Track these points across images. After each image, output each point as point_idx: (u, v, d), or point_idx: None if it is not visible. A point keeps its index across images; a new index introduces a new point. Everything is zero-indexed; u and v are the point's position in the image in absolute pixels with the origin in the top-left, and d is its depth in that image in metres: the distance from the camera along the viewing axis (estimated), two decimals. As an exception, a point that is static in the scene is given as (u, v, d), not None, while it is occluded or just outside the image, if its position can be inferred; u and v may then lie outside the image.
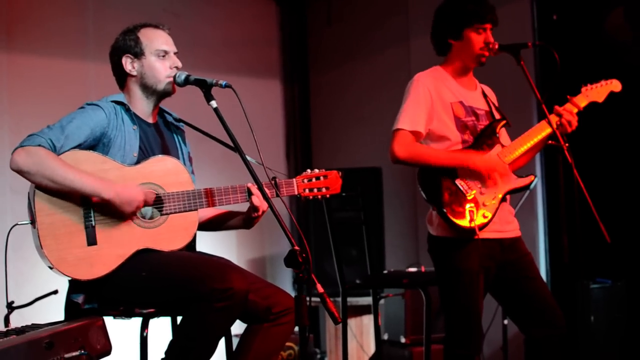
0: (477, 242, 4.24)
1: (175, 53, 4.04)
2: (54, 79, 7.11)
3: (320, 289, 3.23)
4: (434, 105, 4.37)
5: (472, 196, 4.27)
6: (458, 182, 4.29)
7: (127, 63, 4.02)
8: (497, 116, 4.53)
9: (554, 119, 4.40)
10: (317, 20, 9.14)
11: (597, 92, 4.55)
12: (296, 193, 4.04)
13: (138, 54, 4.00)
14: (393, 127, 4.36)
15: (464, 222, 4.22)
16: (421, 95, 4.36)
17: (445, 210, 4.23)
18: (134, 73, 4.02)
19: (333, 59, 9.02)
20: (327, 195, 4.10)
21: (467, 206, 4.24)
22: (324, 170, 4.11)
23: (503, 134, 4.51)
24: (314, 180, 4.08)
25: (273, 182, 3.89)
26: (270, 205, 3.52)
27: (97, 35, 7.22)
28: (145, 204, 3.81)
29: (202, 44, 8.03)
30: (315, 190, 4.07)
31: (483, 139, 4.40)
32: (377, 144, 7.47)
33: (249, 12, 8.78)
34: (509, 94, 5.40)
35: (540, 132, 4.45)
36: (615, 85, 4.59)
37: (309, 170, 4.11)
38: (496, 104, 4.63)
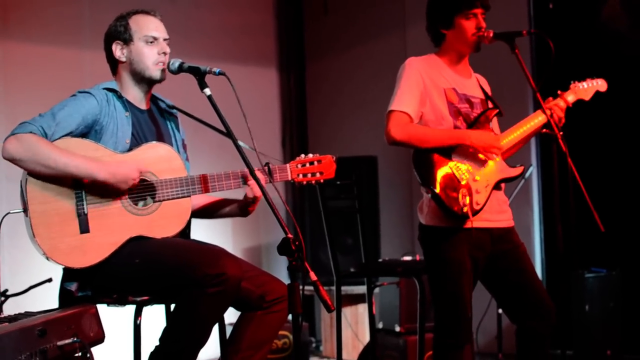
0: (467, 232, 4.23)
1: (165, 39, 4.02)
2: (50, 67, 7.11)
3: (313, 276, 3.22)
4: (426, 88, 4.35)
5: (466, 182, 4.26)
6: (452, 166, 4.28)
7: (117, 49, 4.01)
8: (491, 105, 4.53)
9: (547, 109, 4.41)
10: (313, 8, 9.14)
11: (584, 90, 4.60)
12: (290, 178, 4.03)
13: (127, 40, 3.99)
14: (387, 109, 4.34)
15: (457, 207, 4.21)
16: (413, 79, 4.35)
17: (439, 193, 4.22)
18: (123, 59, 4.01)
19: (329, 47, 9.02)
20: (322, 180, 4.09)
21: (461, 191, 4.24)
22: (317, 155, 4.10)
23: (494, 123, 4.50)
24: (307, 165, 4.06)
25: (266, 167, 3.89)
26: (264, 193, 3.52)
27: (93, 23, 7.20)
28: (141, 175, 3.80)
29: (198, 31, 8.02)
30: (310, 175, 4.06)
31: (477, 126, 4.39)
32: (373, 132, 7.46)
33: (246, 0, 8.77)
34: (505, 83, 5.41)
35: (533, 120, 4.46)
36: (601, 85, 4.63)
37: (302, 155, 4.10)
38: (490, 94, 4.62)
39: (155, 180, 3.86)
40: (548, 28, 6.72)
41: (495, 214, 4.38)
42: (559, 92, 4.52)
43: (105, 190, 3.75)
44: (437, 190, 4.22)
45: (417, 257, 6.02)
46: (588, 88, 4.59)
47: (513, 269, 4.37)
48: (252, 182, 3.92)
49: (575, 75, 4.65)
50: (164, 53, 3.99)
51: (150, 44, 3.98)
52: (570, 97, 4.52)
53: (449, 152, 4.31)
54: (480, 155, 4.32)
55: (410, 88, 4.34)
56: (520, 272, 4.37)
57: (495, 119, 4.51)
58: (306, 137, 9.16)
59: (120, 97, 3.97)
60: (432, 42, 4.54)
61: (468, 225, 4.22)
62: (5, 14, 6.92)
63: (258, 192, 3.93)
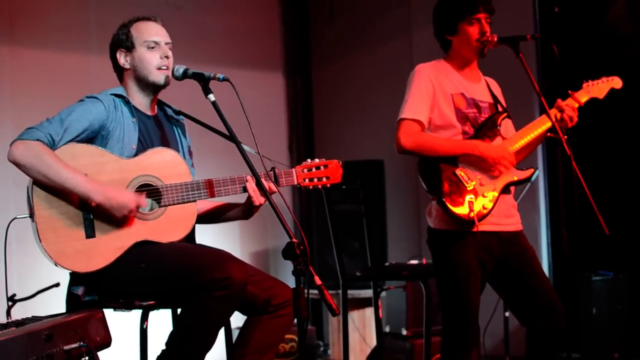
0: (475, 235, 4.23)
1: (167, 43, 4.04)
2: (57, 73, 7.12)
3: (318, 281, 3.22)
4: (435, 95, 4.37)
5: (472, 187, 4.27)
6: (458, 172, 4.29)
7: (121, 57, 4.04)
8: (500, 109, 4.53)
9: (554, 112, 4.40)
10: (319, 12, 9.14)
11: (598, 88, 4.56)
12: (295, 183, 4.03)
13: (130, 48, 4.01)
14: (397, 117, 4.36)
15: (463, 212, 4.22)
16: (423, 85, 4.37)
17: (444, 200, 4.23)
18: (127, 66, 4.03)
19: (335, 51, 9.02)
20: (328, 185, 4.08)
21: (467, 197, 4.25)
22: (324, 159, 4.09)
23: (505, 126, 4.50)
24: (314, 170, 4.06)
25: (272, 172, 3.90)
26: (268, 198, 3.53)
27: (100, 29, 7.21)
28: (139, 207, 3.82)
29: (205, 36, 8.03)
30: (316, 180, 4.06)
31: (484, 131, 4.40)
32: (379, 136, 7.50)
33: (251, 5, 8.79)
34: (511, 87, 5.40)
35: (540, 125, 4.44)
36: (616, 82, 4.59)
37: (309, 160, 4.09)
38: (500, 97, 4.62)
39: (160, 185, 3.87)
40: (554, 32, 6.72)
41: (503, 218, 4.39)
42: (569, 92, 4.51)
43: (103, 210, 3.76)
44: (443, 197, 4.23)
45: (424, 261, 6.03)
46: (602, 85, 4.56)
47: (522, 271, 4.37)
48: (249, 186, 3.92)
49: (581, 78, 4.64)
50: (167, 57, 4.01)
51: (152, 49, 4.00)
52: (582, 96, 4.51)
53: (455, 158, 4.32)
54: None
55: (420, 95, 4.36)
56: (530, 275, 4.37)
57: (508, 122, 4.51)
58: (312, 142, 9.16)
59: (127, 102, 3.99)
60: (439, 47, 4.56)
61: (475, 229, 4.23)
62: (12, 20, 6.95)
63: (261, 199, 3.94)
